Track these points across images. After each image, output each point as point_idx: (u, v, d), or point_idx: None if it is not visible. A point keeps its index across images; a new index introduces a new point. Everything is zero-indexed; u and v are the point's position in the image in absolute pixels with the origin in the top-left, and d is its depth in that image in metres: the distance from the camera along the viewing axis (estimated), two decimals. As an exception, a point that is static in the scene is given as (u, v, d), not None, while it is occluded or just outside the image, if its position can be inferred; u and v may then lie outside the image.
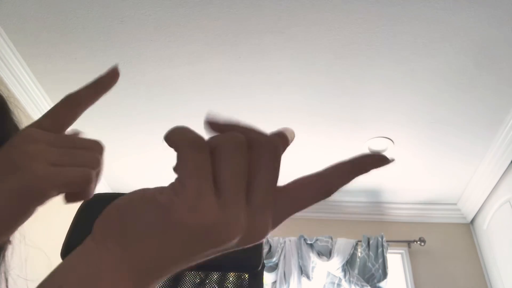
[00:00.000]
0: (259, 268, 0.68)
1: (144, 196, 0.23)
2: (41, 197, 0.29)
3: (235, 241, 0.23)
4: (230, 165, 0.24)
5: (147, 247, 0.22)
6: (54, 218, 2.38)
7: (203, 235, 0.22)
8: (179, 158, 0.24)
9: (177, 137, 0.24)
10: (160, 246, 0.22)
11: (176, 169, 0.24)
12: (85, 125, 2.19)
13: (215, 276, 0.72)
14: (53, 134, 0.32)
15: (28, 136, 0.31)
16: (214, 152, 0.24)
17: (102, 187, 3.10)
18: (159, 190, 0.24)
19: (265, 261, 2.88)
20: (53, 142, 0.31)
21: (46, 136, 0.31)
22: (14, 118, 0.49)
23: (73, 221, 0.72)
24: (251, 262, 0.68)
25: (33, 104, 2.28)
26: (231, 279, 0.71)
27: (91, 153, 0.33)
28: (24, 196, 0.28)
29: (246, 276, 0.70)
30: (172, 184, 0.24)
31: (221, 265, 0.66)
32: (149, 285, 0.23)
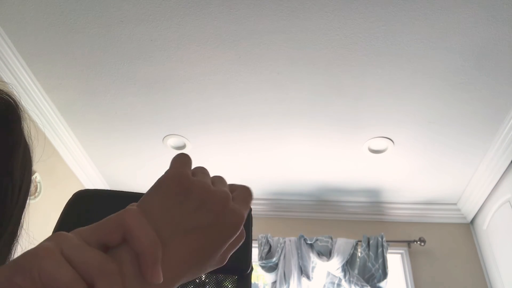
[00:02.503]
0: (248, 271, 0.70)
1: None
2: None
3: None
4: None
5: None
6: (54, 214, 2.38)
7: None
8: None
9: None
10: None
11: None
12: (84, 125, 2.18)
13: (202, 277, 0.73)
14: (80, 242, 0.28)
15: (51, 238, 0.27)
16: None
17: (100, 185, 3.09)
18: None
19: (265, 261, 2.88)
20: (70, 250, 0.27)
21: (68, 243, 0.27)
22: (25, 128, 0.44)
23: (61, 214, 0.70)
24: (240, 265, 0.70)
25: (33, 104, 2.28)
26: (220, 280, 0.72)
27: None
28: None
29: (235, 278, 0.72)
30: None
31: None
32: None
